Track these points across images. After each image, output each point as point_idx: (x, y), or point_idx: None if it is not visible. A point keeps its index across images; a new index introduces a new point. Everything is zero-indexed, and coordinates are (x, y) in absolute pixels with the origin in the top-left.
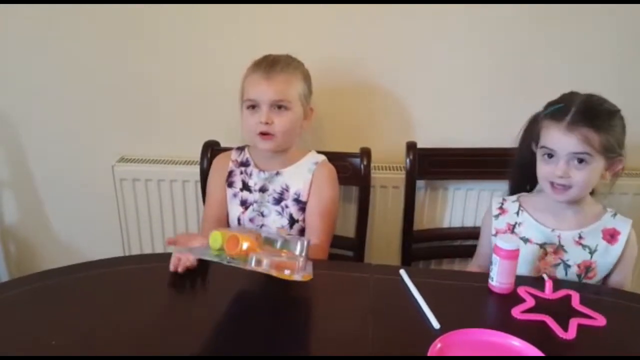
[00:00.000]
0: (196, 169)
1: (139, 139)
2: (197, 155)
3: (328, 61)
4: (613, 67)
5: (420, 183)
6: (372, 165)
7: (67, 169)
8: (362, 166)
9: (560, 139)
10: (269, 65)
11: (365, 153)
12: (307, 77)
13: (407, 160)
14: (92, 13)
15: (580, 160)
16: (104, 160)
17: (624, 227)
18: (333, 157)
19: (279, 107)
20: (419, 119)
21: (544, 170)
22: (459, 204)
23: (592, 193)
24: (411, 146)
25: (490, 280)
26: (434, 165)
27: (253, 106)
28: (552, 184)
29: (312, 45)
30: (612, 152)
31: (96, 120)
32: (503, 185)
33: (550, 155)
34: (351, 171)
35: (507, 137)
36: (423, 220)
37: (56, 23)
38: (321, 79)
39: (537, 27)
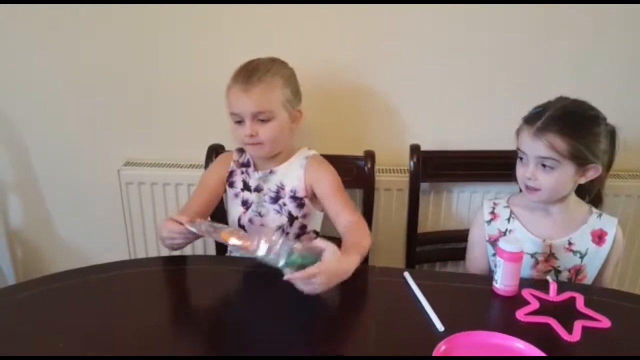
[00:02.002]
0: (201, 172)
1: (145, 143)
2: (202, 159)
3: (330, 63)
4: (613, 68)
5: (424, 186)
6: (376, 168)
7: (73, 173)
8: (366, 169)
9: (528, 143)
10: (247, 76)
11: (370, 156)
12: (289, 80)
13: (411, 163)
14: (96, 13)
15: (546, 165)
16: (109, 164)
17: (610, 227)
18: (337, 160)
19: (261, 118)
20: (422, 122)
21: (518, 171)
22: (463, 207)
23: (580, 193)
24: (415, 149)
25: (494, 283)
26: (438, 167)
27: (239, 120)
28: (526, 185)
29: (314, 46)
30: (582, 159)
31: (102, 124)
32: (506, 188)
33: (522, 158)
34: (355, 174)
35: (511, 139)
36: (427, 223)
37: (59, 24)
38: (324, 81)
39: (539, 28)
